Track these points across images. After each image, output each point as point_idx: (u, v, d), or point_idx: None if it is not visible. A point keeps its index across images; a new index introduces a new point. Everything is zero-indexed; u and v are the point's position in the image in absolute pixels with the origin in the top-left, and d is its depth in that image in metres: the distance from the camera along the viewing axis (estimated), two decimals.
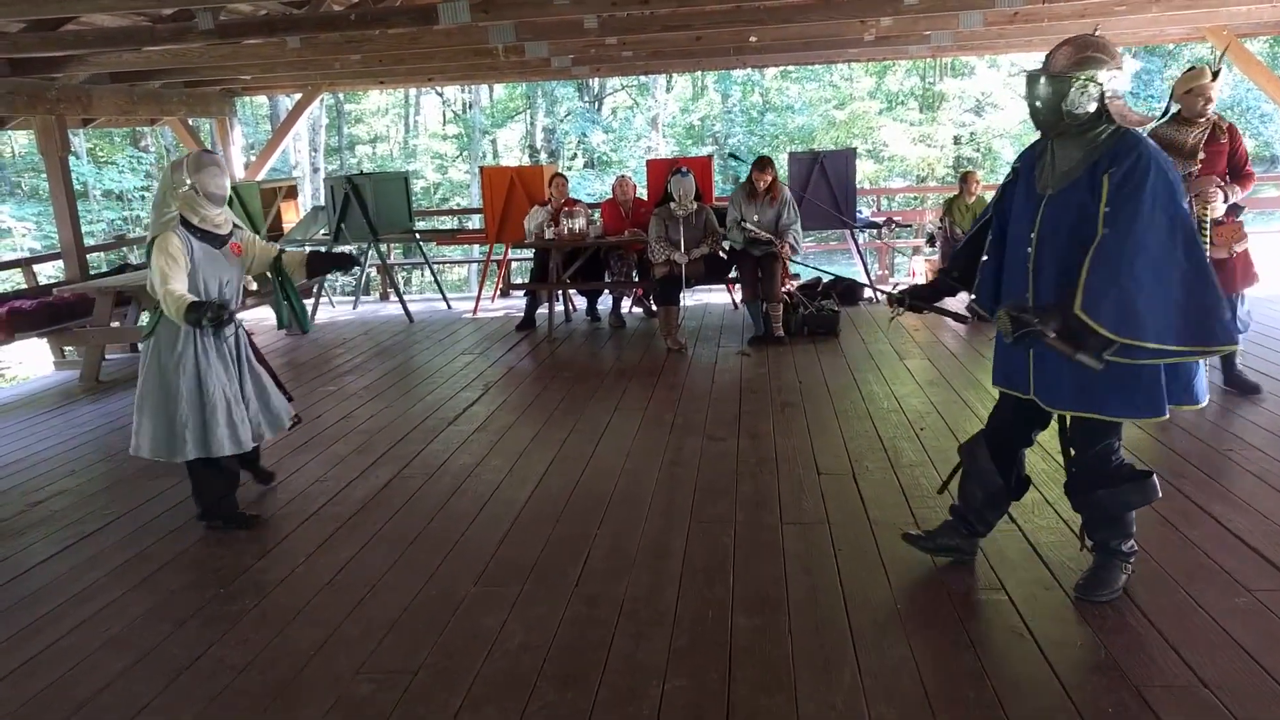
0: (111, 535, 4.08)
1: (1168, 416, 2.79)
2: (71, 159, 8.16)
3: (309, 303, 9.44)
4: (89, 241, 9.01)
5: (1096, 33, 2.80)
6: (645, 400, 5.73)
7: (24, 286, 8.16)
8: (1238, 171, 4.83)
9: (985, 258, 3.11)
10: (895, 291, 3.41)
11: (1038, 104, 2.78)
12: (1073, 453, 3.06)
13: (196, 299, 3.69)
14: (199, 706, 2.71)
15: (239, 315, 4.04)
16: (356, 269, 4.09)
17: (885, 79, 21.89)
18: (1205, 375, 2.88)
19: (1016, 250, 2.94)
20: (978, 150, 20.90)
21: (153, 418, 3.86)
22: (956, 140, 20.88)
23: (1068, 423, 3.05)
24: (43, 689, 2.86)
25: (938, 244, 8.29)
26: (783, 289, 7.18)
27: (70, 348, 7.85)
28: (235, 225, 3.98)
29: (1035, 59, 18.98)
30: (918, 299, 3.37)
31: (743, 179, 7.39)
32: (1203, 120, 4.79)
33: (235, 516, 4.07)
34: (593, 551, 3.61)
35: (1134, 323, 2.60)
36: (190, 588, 3.52)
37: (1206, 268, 2.69)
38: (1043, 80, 2.75)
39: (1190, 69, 4.90)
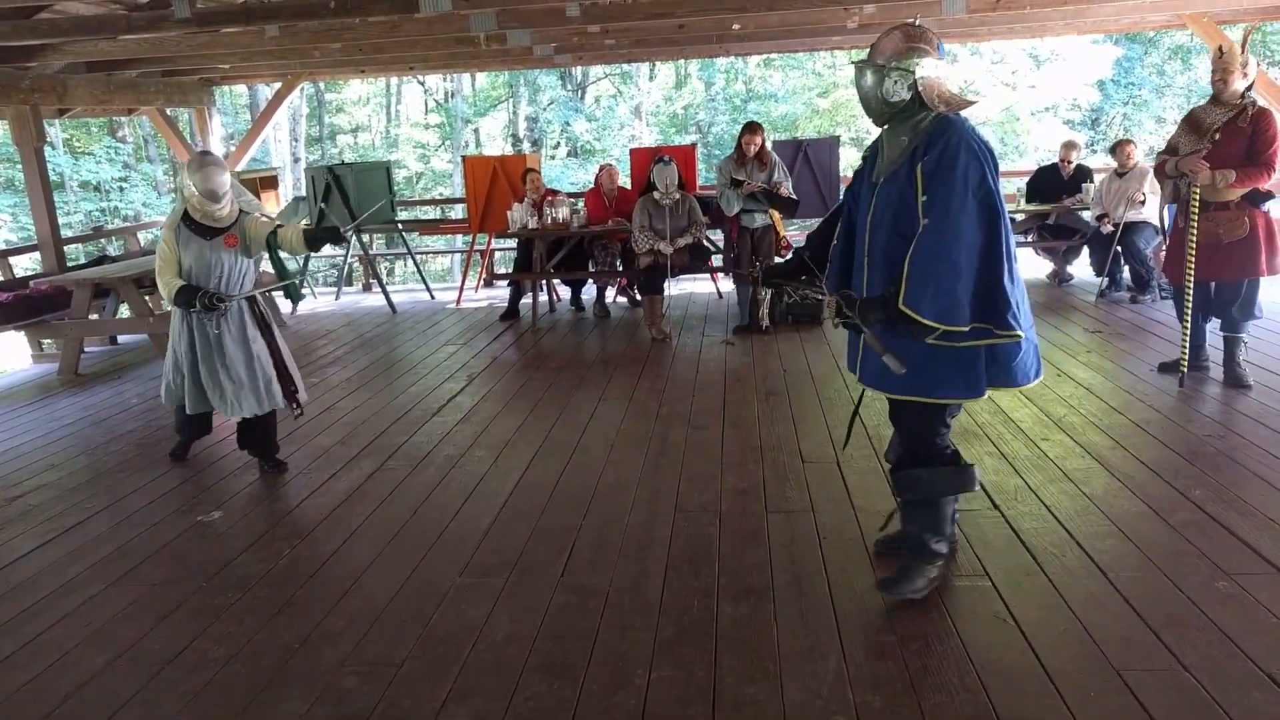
0: (92, 529, 4.04)
1: (985, 396, 2.89)
2: (47, 149, 8.05)
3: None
4: (66, 233, 8.90)
5: (916, 22, 2.86)
6: (630, 390, 5.72)
7: (0, 278, 8.04)
8: (1255, 158, 4.70)
9: (835, 242, 3.13)
10: (753, 271, 3.53)
11: (863, 93, 2.86)
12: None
13: (185, 284, 4.25)
14: (182, 701, 2.69)
15: (248, 299, 4.49)
16: (343, 243, 4.79)
17: None
18: (1033, 355, 2.92)
19: (856, 238, 2.99)
20: None
21: (163, 370, 4.63)
22: None
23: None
24: (24, 684, 2.83)
25: None
26: (778, 255, 7.10)
27: (48, 340, 7.76)
28: (243, 212, 4.42)
29: (1020, 45, 18.80)
30: (775, 277, 3.45)
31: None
32: (1236, 102, 4.77)
33: (176, 452, 4.89)
34: (578, 542, 3.61)
35: (955, 310, 2.68)
36: (172, 581, 3.49)
37: (1004, 252, 2.72)
38: (865, 71, 2.82)
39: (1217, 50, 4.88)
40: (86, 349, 7.65)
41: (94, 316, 7.74)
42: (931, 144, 2.74)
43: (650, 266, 7.08)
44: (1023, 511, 3.66)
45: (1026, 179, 9.03)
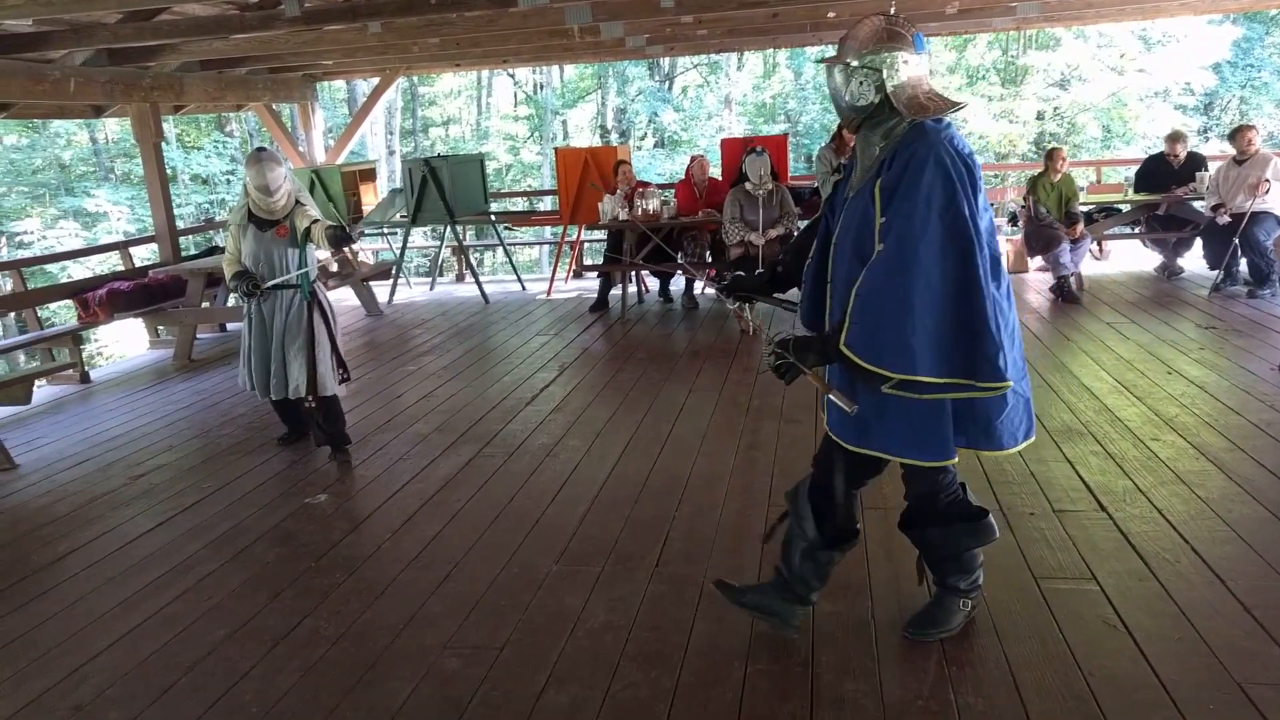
0: (208, 508, 4.25)
1: (954, 460, 2.50)
2: (163, 145, 8.46)
3: (388, 284, 9.65)
4: (179, 225, 9.35)
5: (892, 12, 2.49)
6: (720, 382, 5.72)
7: (121, 268, 8.50)
8: None
9: (810, 261, 2.69)
10: (723, 282, 2.97)
11: (832, 95, 2.49)
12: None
13: (239, 269, 4.64)
14: (295, 676, 2.81)
15: (311, 287, 4.69)
16: (349, 243, 4.86)
17: (966, 53, 21.28)
18: (1023, 412, 2.53)
19: (829, 257, 2.59)
20: (1062, 126, 20.19)
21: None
22: (1040, 116, 20.19)
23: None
24: (152, 653, 3.01)
25: (1020, 223, 8.06)
26: None
27: (164, 327, 8.17)
28: (298, 203, 4.65)
29: (1129, 28, 17.99)
30: (742, 289, 2.90)
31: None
32: None
33: (288, 437, 5.11)
34: (672, 533, 3.63)
35: (903, 355, 2.26)
36: (283, 561, 3.65)
37: (983, 288, 2.30)
38: (832, 70, 2.44)
39: None
40: (199, 336, 8.02)
41: (206, 304, 8.11)
42: (899, 155, 2.35)
43: (742, 257, 7.04)
44: (1132, 514, 3.53)
45: (1134, 168, 8.65)
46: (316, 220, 4.62)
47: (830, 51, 2.62)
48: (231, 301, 8.27)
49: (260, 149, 4.65)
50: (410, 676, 2.77)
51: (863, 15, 2.47)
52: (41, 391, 6.71)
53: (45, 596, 3.48)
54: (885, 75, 2.36)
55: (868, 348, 2.29)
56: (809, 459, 4.25)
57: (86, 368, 7.28)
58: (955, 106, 2.40)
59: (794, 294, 2.85)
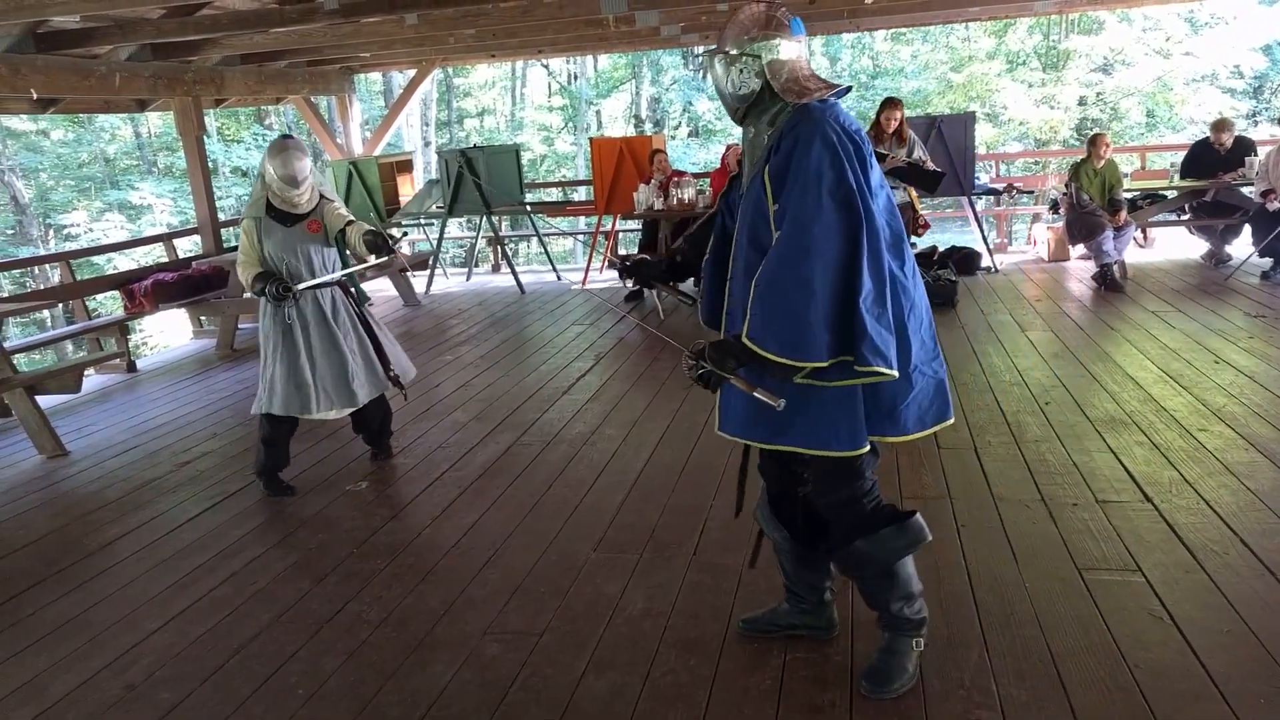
0: (252, 494, 4.33)
1: (865, 450, 2.33)
2: (204, 138, 8.59)
3: (425, 274, 9.73)
4: (221, 216, 9.50)
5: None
6: None
7: (165, 260, 8.65)
8: None
9: (706, 257, 2.61)
10: (624, 262, 2.90)
11: (716, 86, 2.42)
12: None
13: (261, 270, 4.09)
14: (340, 659, 2.86)
15: (341, 287, 4.31)
16: (388, 255, 4.24)
17: (1005, 38, 20.93)
18: (934, 396, 2.39)
19: (728, 256, 2.50)
20: (1105, 111, 19.80)
21: (260, 379, 4.29)
22: (1082, 101, 19.81)
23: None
24: (203, 634, 3.08)
25: (1061, 210, 7.93)
26: (915, 235, 6.92)
27: (206, 317, 8.32)
28: (324, 198, 4.22)
29: (1176, 9, 17.58)
30: (641, 274, 2.86)
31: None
32: None
33: (275, 483, 4.32)
34: (709, 522, 3.64)
35: (807, 342, 2.16)
36: (326, 546, 3.70)
37: (865, 266, 2.18)
38: (714, 60, 2.38)
39: None
40: (240, 325, 8.15)
41: (248, 295, 8.23)
42: (784, 139, 2.27)
43: None
44: (1178, 505, 3.47)
45: (1181, 154, 8.47)
46: (352, 221, 4.22)
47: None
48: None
49: (286, 136, 4.19)
50: (451, 661, 2.81)
51: (746, 3, 2.40)
52: (90, 380, 6.87)
53: (97, 579, 3.57)
54: (765, 62, 2.31)
55: (772, 337, 2.18)
56: None
57: (133, 357, 7.43)
58: (835, 89, 2.33)
59: (691, 287, 2.79)
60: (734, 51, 2.33)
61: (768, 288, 2.21)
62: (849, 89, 2.45)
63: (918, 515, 2.51)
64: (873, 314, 2.19)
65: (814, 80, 2.35)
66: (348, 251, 4.38)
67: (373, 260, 4.37)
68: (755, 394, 2.24)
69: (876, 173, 2.30)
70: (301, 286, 4.12)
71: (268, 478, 4.33)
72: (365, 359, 4.34)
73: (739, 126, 2.46)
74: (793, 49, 2.33)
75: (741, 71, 2.33)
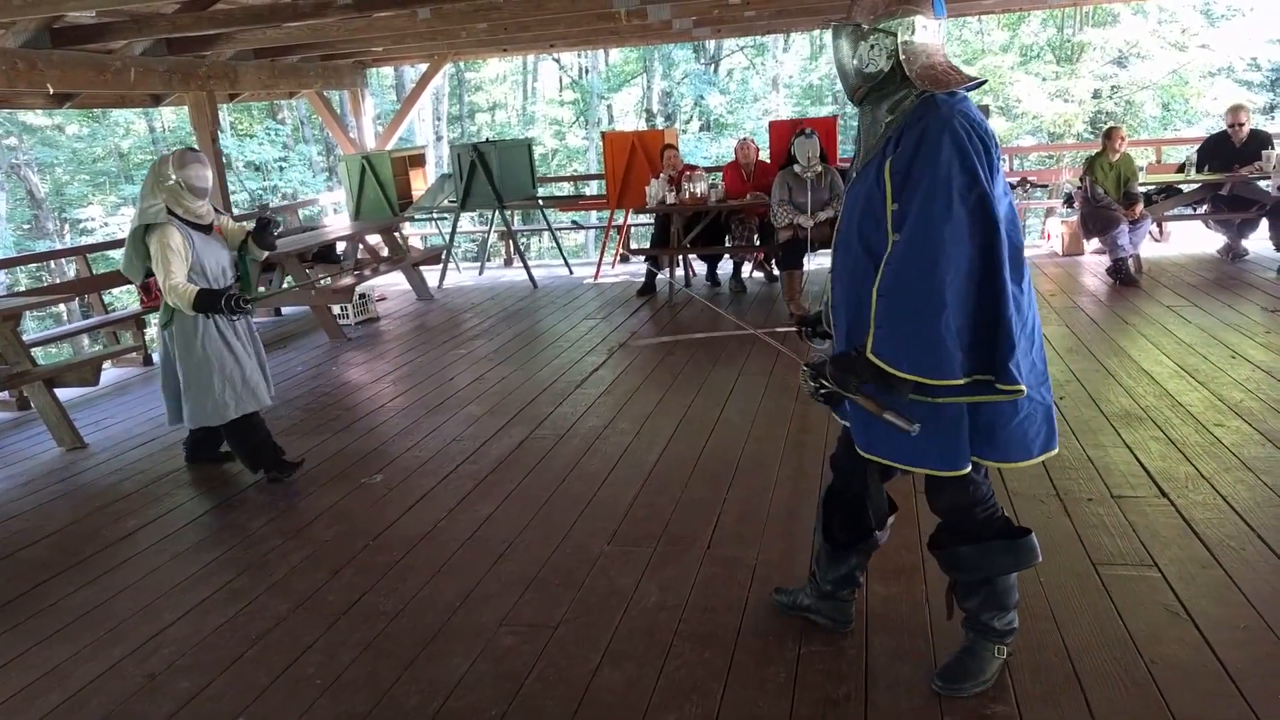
0: (269, 487, 4.36)
1: (967, 470, 2.23)
2: (218, 132, 8.63)
3: (438, 269, 9.76)
4: (234, 211, 9.55)
5: None
6: (769, 366, 5.70)
7: None
8: None
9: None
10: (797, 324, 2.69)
11: (838, 61, 2.25)
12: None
13: (204, 288, 4.07)
14: (357, 650, 2.89)
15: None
16: (271, 230, 4.43)
17: (1019, 31, 20.81)
18: (1042, 422, 2.25)
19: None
20: (1119, 105, 19.66)
21: (192, 392, 4.24)
22: (1096, 94, 19.67)
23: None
24: (221, 624, 3.11)
25: (1075, 205, 7.89)
26: None
27: None
28: (216, 210, 4.31)
29: (1189, 2, 17.38)
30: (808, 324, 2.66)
31: None
32: None
33: (285, 464, 4.44)
34: (723, 515, 3.64)
35: (940, 358, 2.04)
36: (342, 538, 3.73)
37: (1005, 278, 2.07)
38: (842, 33, 2.21)
39: None
40: (254, 319, 8.18)
41: (261, 289, 8.27)
42: (907, 133, 2.11)
43: (790, 240, 7.00)
44: (1195, 500, 3.46)
45: (1195, 147, 8.41)
46: (251, 232, 4.40)
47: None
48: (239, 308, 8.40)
49: (189, 149, 4.17)
50: (467, 653, 2.83)
51: None
52: (108, 373, 6.92)
53: (117, 570, 3.61)
54: (900, 40, 2.13)
55: (898, 352, 2.07)
56: None
57: (149, 350, 7.48)
58: (973, 81, 2.15)
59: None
60: (867, 26, 2.16)
61: (894, 299, 2.07)
62: (984, 82, 2.26)
63: (1032, 536, 2.41)
64: (1019, 330, 2.09)
65: (950, 70, 2.16)
66: (243, 254, 4.44)
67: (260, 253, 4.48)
68: (885, 416, 2.15)
69: (1000, 179, 2.14)
70: (258, 296, 4.26)
71: (278, 465, 4.42)
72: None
73: (855, 106, 2.30)
74: (931, 30, 2.16)
75: (873, 48, 2.15)
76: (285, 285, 4.33)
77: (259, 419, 4.45)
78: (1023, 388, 2.11)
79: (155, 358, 4.33)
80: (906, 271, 2.07)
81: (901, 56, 2.14)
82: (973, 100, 2.19)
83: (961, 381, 2.09)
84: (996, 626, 2.46)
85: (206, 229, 4.19)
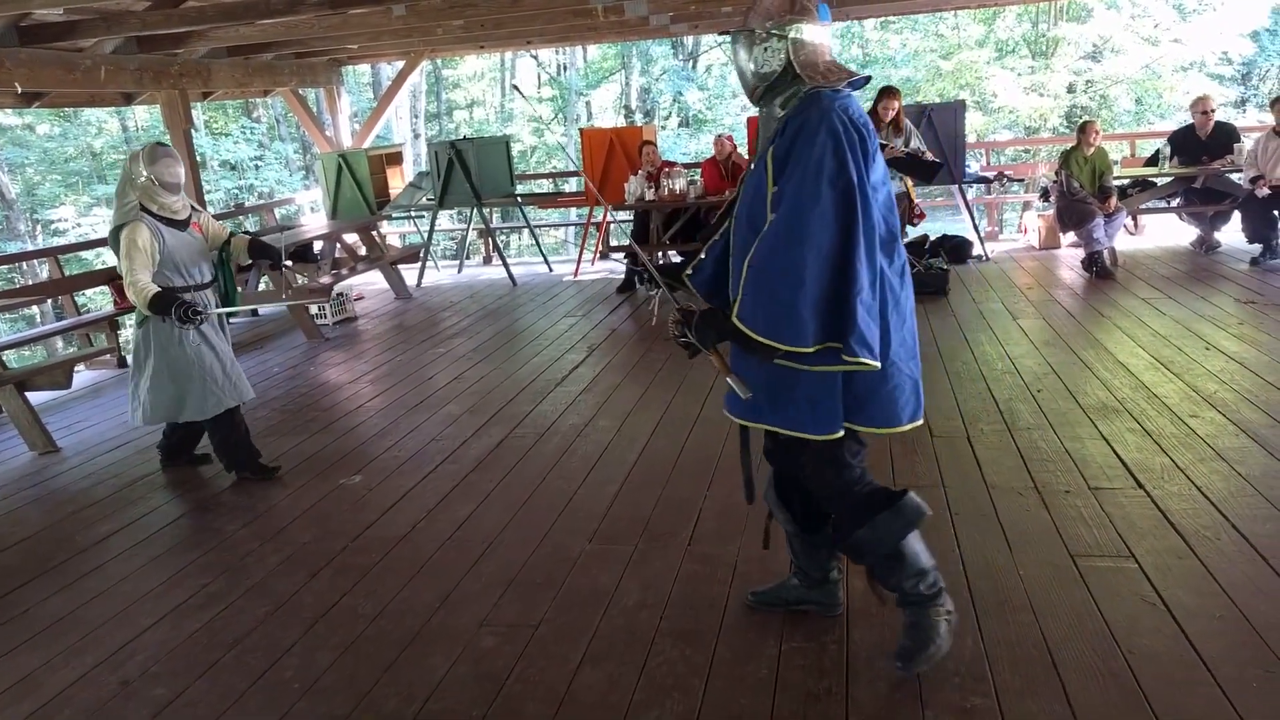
0: (246, 489, 4.32)
1: (838, 434, 2.36)
2: (192, 131, 8.54)
3: (416, 267, 9.70)
4: (210, 210, 9.46)
5: None
6: None
7: None
8: None
9: (716, 237, 2.63)
10: (645, 269, 2.85)
11: (736, 65, 2.44)
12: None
13: (160, 290, 3.98)
14: (336, 653, 2.86)
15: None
16: (282, 266, 4.54)
17: (994, 25, 20.94)
18: (910, 394, 2.41)
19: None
20: (1094, 99, 19.82)
21: (167, 388, 4.20)
22: (1071, 89, 19.83)
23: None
24: (197, 630, 3.07)
25: (1051, 198, 7.94)
26: (909, 224, 6.92)
27: None
28: (193, 208, 4.26)
29: None
30: (670, 276, 2.79)
31: None
32: None
33: (261, 467, 4.42)
34: (704, 512, 3.64)
35: (794, 326, 2.20)
36: (320, 540, 3.70)
37: (859, 258, 2.21)
38: (739, 38, 2.40)
39: None
40: (231, 321, 8.10)
41: (239, 290, 8.19)
42: (790, 123, 2.30)
43: None
44: (1170, 491, 3.49)
45: (1163, 141, 8.49)
46: (234, 233, 4.40)
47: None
48: (264, 286, 8.32)
49: (158, 143, 4.12)
50: (447, 654, 2.81)
51: None
52: (80, 376, 6.83)
53: (90, 576, 3.56)
54: (791, 42, 2.33)
55: (760, 319, 2.24)
56: None
57: (123, 352, 7.38)
58: (855, 77, 2.36)
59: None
60: (762, 31, 2.35)
61: (759, 270, 2.25)
62: (868, 79, 2.45)
63: (910, 494, 2.52)
64: (864, 305, 2.23)
65: (834, 67, 2.36)
66: (223, 256, 4.39)
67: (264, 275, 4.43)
68: (728, 379, 2.34)
69: (879, 168, 2.33)
70: (215, 313, 4.22)
71: (254, 467, 4.40)
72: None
73: (754, 105, 2.47)
74: (817, 33, 2.36)
75: (766, 50, 2.35)
76: (293, 284, 4.21)
77: (240, 417, 4.41)
78: (867, 362, 2.24)
79: (129, 359, 4.21)
80: (774, 247, 2.24)
81: (792, 56, 2.33)
82: (856, 97, 2.40)
83: (811, 349, 2.25)
84: (924, 591, 2.53)
85: (182, 224, 4.14)
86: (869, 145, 2.29)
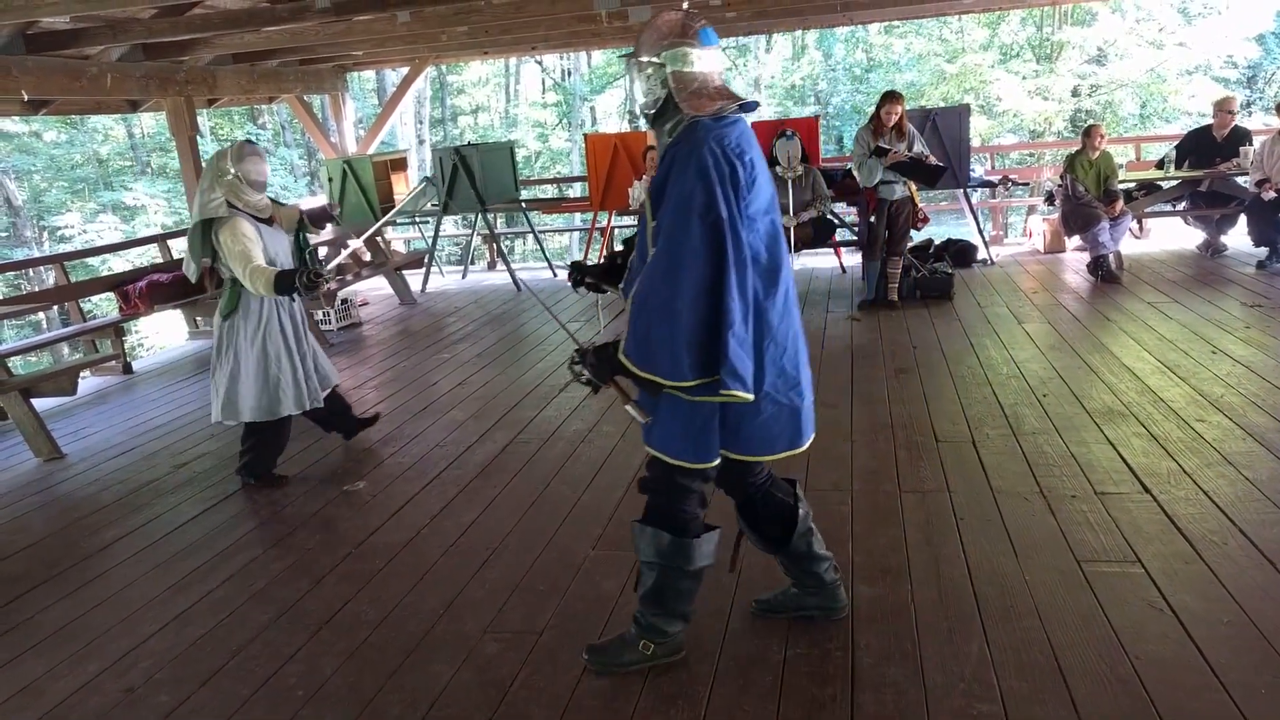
0: (250, 496, 4.32)
1: (710, 464, 2.43)
2: (198, 138, 8.57)
3: (421, 272, 9.71)
4: None
5: (685, 7, 2.44)
6: None
7: (160, 260, 8.61)
8: None
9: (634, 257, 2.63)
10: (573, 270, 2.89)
11: (629, 93, 2.51)
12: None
13: (281, 270, 4.05)
14: (340, 660, 2.85)
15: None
16: (327, 225, 4.78)
17: (998, 30, 20.93)
18: (786, 423, 2.45)
19: None
20: (1098, 103, 19.80)
21: (252, 385, 4.22)
22: (1075, 93, 19.81)
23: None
24: (201, 636, 3.07)
25: (1056, 202, 7.92)
26: (914, 228, 6.92)
27: (202, 317, 8.29)
28: (272, 201, 4.31)
29: (1166, 0, 17.59)
30: (585, 275, 2.83)
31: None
32: None
33: (272, 476, 4.44)
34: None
35: (672, 361, 2.24)
36: (324, 547, 3.69)
37: (732, 293, 2.22)
38: (628, 65, 2.42)
39: None
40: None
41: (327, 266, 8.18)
42: (666, 155, 2.32)
43: None
44: (1177, 496, 3.47)
45: (1174, 144, 8.47)
46: (299, 209, 4.52)
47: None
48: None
49: (247, 141, 4.21)
50: (451, 661, 2.80)
51: (667, 9, 2.47)
52: (86, 382, 6.85)
53: (94, 582, 3.56)
54: (669, 71, 2.32)
55: (642, 355, 2.28)
56: (844, 444, 4.25)
57: (129, 358, 7.41)
58: (742, 103, 2.34)
59: None
60: (643, 58, 2.36)
61: (640, 307, 2.28)
62: (755, 105, 2.46)
63: (700, 543, 2.55)
64: (737, 338, 2.24)
65: (720, 94, 2.34)
66: (301, 235, 4.51)
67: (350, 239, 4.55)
68: (626, 407, 2.42)
69: (761, 198, 2.32)
70: (332, 265, 4.38)
71: (268, 477, 4.42)
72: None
73: (651, 130, 2.52)
74: (705, 60, 2.34)
75: (649, 79, 2.35)
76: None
77: (289, 428, 4.45)
78: (739, 394, 2.25)
79: (215, 350, 4.27)
80: (651, 283, 2.27)
81: (672, 85, 2.32)
82: (747, 121, 2.40)
83: (692, 383, 2.27)
84: (649, 619, 2.60)
85: (267, 221, 4.21)
86: (741, 176, 2.26)
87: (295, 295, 4.14)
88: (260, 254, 4.05)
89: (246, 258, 4.00)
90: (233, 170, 4.06)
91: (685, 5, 2.49)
